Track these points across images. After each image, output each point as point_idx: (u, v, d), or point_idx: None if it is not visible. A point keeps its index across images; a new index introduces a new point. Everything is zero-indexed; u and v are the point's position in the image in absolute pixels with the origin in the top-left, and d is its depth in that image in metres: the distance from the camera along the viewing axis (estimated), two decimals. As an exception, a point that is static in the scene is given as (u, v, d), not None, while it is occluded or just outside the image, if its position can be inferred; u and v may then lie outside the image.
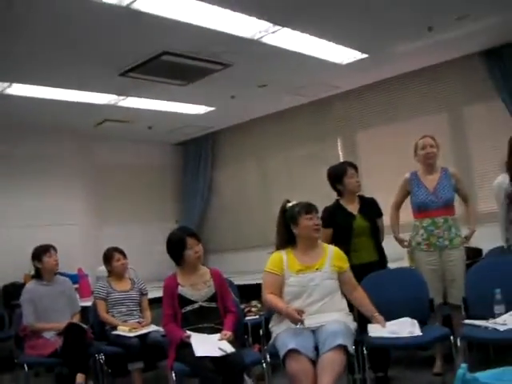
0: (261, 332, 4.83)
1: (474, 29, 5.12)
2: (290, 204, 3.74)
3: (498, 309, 3.61)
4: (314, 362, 3.26)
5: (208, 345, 3.45)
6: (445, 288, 4.23)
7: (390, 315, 3.71)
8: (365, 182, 5.84)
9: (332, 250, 3.73)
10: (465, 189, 4.48)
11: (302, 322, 3.34)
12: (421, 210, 4.30)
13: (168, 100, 6.43)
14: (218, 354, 3.37)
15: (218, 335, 3.57)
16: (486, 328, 3.51)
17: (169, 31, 4.46)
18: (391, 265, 4.56)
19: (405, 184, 4.42)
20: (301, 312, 3.35)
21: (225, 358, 3.36)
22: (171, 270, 3.87)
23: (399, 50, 5.50)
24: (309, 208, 3.66)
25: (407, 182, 4.40)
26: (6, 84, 5.33)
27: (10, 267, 6.26)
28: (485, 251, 5.08)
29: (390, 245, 4.48)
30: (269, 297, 3.56)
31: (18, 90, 5.51)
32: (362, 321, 3.71)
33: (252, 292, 4.51)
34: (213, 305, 3.74)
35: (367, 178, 6.06)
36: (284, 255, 3.65)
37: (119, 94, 6.03)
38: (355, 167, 4.40)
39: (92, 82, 5.57)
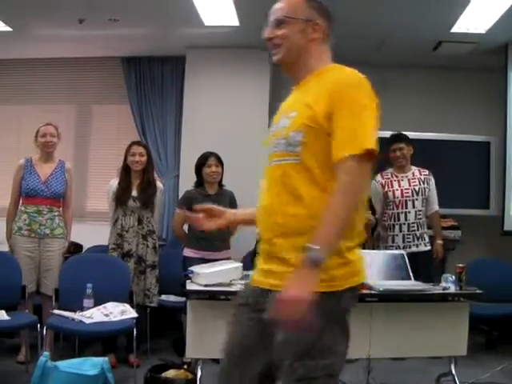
0: None
1: (121, 33, 5.35)
2: None
3: (87, 302, 3.83)
4: None
5: None
6: (40, 277, 4.24)
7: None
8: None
9: None
10: None
11: None
12: (28, 196, 4.26)
13: None
14: None
15: None
16: (73, 320, 3.69)
17: None
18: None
19: (19, 170, 4.33)
20: None
21: None
22: None
23: (45, 34, 5.37)
24: None
25: (21, 167, 4.32)
26: None
27: None
28: (86, 247, 5.28)
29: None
30: None
31: None
32: None
33: None
34: None
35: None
36: None
37: None
38: None
39: None
